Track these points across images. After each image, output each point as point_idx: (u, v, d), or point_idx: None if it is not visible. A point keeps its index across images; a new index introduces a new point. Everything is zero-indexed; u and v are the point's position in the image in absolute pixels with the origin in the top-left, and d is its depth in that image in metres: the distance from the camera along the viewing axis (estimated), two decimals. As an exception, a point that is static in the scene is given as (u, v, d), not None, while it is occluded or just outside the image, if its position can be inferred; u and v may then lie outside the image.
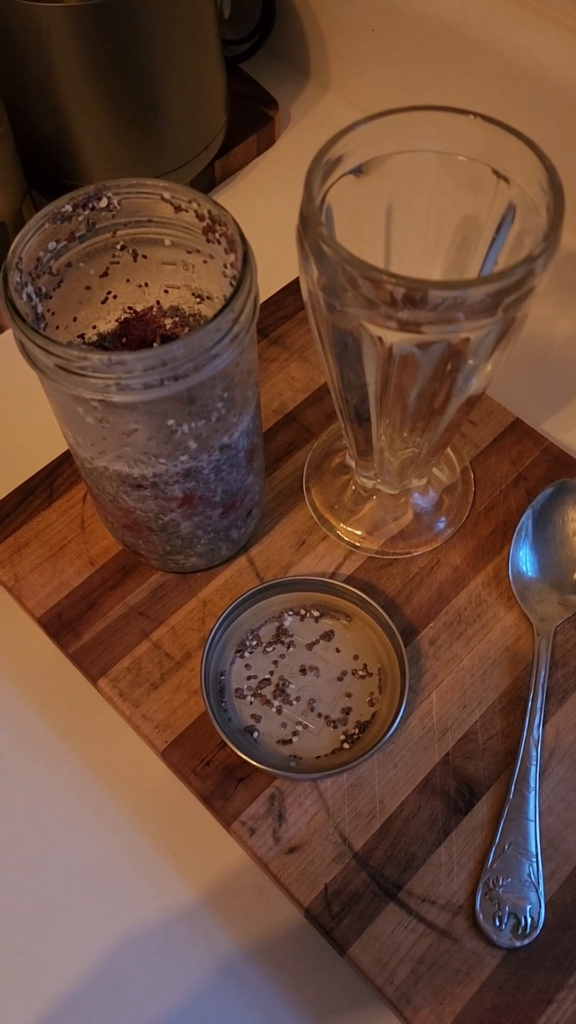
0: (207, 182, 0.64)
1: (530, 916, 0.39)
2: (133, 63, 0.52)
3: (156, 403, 0.33)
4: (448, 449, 0.50)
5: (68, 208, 0.35)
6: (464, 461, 0.50)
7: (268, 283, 0.54)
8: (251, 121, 0.65)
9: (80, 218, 0.35)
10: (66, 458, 0.50)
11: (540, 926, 0.38)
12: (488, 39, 0.56)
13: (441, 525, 0.48)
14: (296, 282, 0.56)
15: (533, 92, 0.55)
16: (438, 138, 0.35)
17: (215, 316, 0.32)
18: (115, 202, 0.36)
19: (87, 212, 0.35)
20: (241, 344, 0.34)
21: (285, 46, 0.69)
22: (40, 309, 0.36)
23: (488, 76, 0.57)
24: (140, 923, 0.42)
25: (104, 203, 0.35)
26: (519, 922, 0.38)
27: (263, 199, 0.64)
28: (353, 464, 0.47)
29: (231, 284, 0.34)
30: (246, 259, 0.33)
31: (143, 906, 0.42)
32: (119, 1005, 0.40)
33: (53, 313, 0.37)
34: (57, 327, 0.38)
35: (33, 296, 0.35)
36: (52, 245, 0.35)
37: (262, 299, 0.56)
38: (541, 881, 0.39)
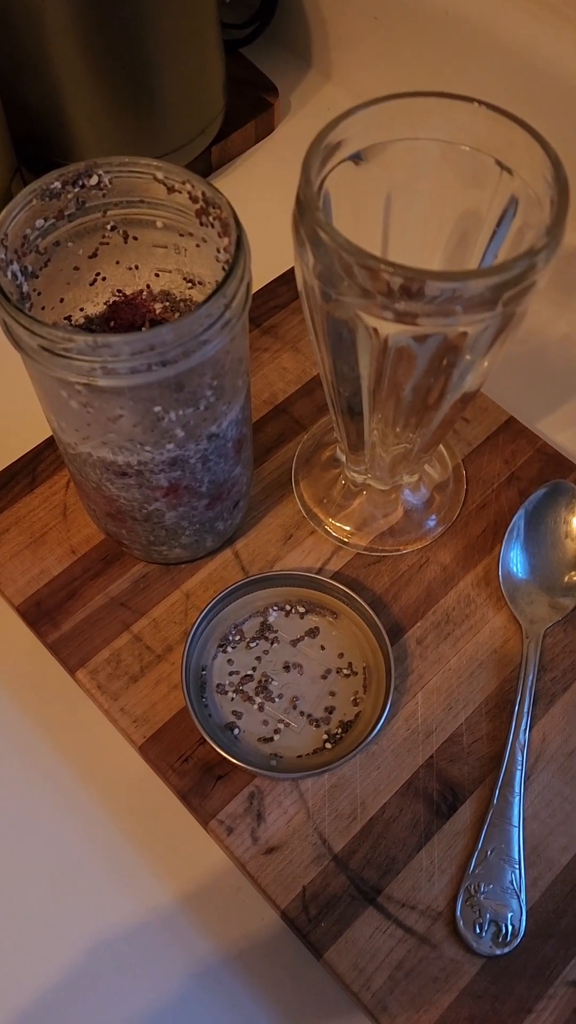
0: (203, 168, 0.63)
1: (511, 924, 0.38)
2: (129, 41, 0.51)
3: (143, 389, 0.32)
4: (441, 446, 0.49)
5: (57, 185, 0.34)
6: (456, 459, 0.49)
7: (262, 272, 0.53)
8: (250, 107, 0.64)
9: (69, 196, 0.34)
10: (49, 444, 0.49)
11: (521, 934, 0.38)
12: (493, 31, 0.55)
13: (431, 523, 0.47)
14: (290, 272, 0.55)
15: (538, 86, 0.54)
16: (441, 126, 0.34)
17: (206, 300, 0.31)
18: (106, 180, 0.34)
19: (77, 190, 0.34)
20: (232, 331, 0.33)
21: (287, 33, 0.68)
22: (25, 288, 0.35)
23: (493, 69, 0.56)
24: (112, 921, 0.41)
25: (95, 181, 0.34)
26: (500, 930, 0.38)
27: (260, 187, 0.63)
28: (344, 458, 0.46)
29: (224, 269, 0.33)
30: (240, 243, 0.32)
31: (116, 904, 0.41)
32: (91, 1004, 0.39)
33: (39, 293, 0.36)
34: (43, 308, 0.37)
35: (19, 274, 0.34)
36: (40, 223, 0.34)
37: (255, 288, 0.55)
38: (523, 888, 0.39)
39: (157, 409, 0.33)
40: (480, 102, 0.33)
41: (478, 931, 0.38)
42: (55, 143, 0.55)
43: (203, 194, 0.34)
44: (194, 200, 0.34)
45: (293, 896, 0.39)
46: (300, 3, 0.66)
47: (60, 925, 0.41)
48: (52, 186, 0.34)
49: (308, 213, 0.31)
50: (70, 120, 0.54)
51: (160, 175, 0.34)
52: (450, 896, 0.39)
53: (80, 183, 0.34)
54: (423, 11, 0.57)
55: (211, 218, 0.34)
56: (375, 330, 0.33)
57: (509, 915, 0.38)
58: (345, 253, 0.30)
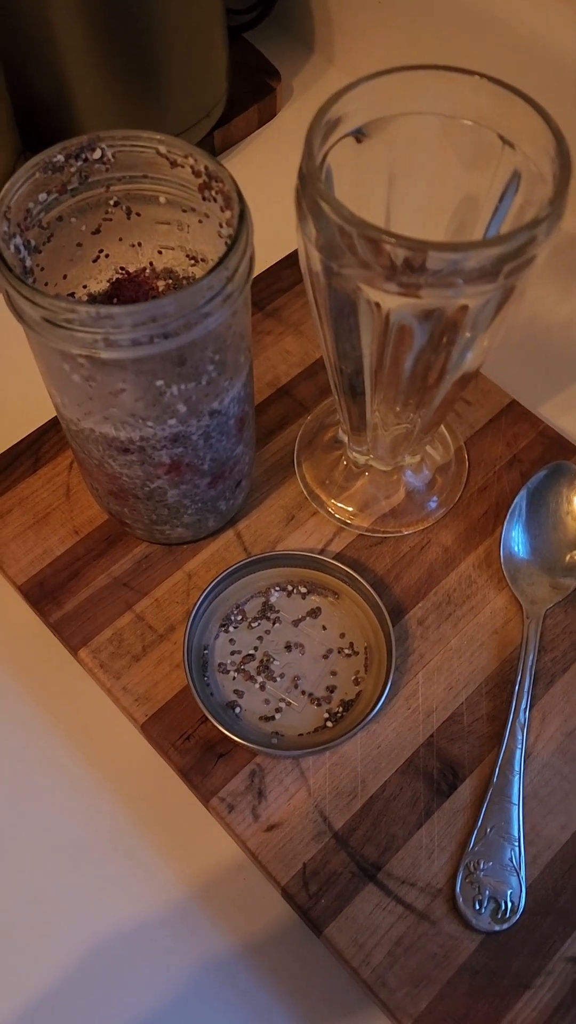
0: (206, 151, 0.62)
1: (510, 900, 0.38)
2: (133, 25, 0.51)
3: (145, 361, 0.32)
4: (443, 428, 0.49)
5: (60, 158, 0.34)
6: (459, 441, 0.49)
7: (265, 256, 0.53)
8: (253, 91, 0.64)
9: (72, 169, 0.34)
10: (53, 424, 0.49)
11: (520, 911, 0.38)
12: (496, 14, 0.55)
13: (433, 504, 0.47)
14: (293, 255, 0.55)
15: (542, 68, 0.54)
16: (443, 100, 0.34)
17: (208, 272, 0.31)
18: (109, 154, 0.34)
19: (80, 163, 0.34)
20: (234, 305, 0.33)
21: (291, 18, 0.68)
22: (28, 263, 0.35)
23: (496, 52, 0.56)
24: (115, 900, 0.41)
25: (98, 155, 0.34)
26: (499, 906, 0.38)
27: (262, 171, 0.63)
28: (346, 439, 0.46)
29: (226, 244, 0.33)
30: (242, 216, 0.32)
31: (118, 883, 0.41)
32: (95, 987, 0.39)
33: (42, 269, 0.36)
34: (46, 283, 0.37)
35: (21, 248, 0.34)
36: (43, 196, 0.34)
37: (258, 272, 0.55)
38: (523, 866, 0.39)
39: (159, 383, 0.33)
40: (482, 75, 0.33)
41: (477, 907, 0.38)
42: (59, 126, 0.55)
43: (206, 168, 0.34)
44: (196, 174, 0.34)
45: (294, 873, 0.39)
46: (304, -12, 0.66)
47: (62, 903, 0.41)
48: (55, 159, 0.34)
49: (310, 185, 0.31)
50: (74, 103, 0.54)
51: (163, 149, 0.34)
52: (450, 873, 0.39)
53: (83, 156, 0.34)
54: (427, -5, 0.57)
55: (214, 192, 0.34)
56: (377, 305, 0.33)
57: (508, 892, 0.38)
58: (347, 224, 0.30)
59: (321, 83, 0.67)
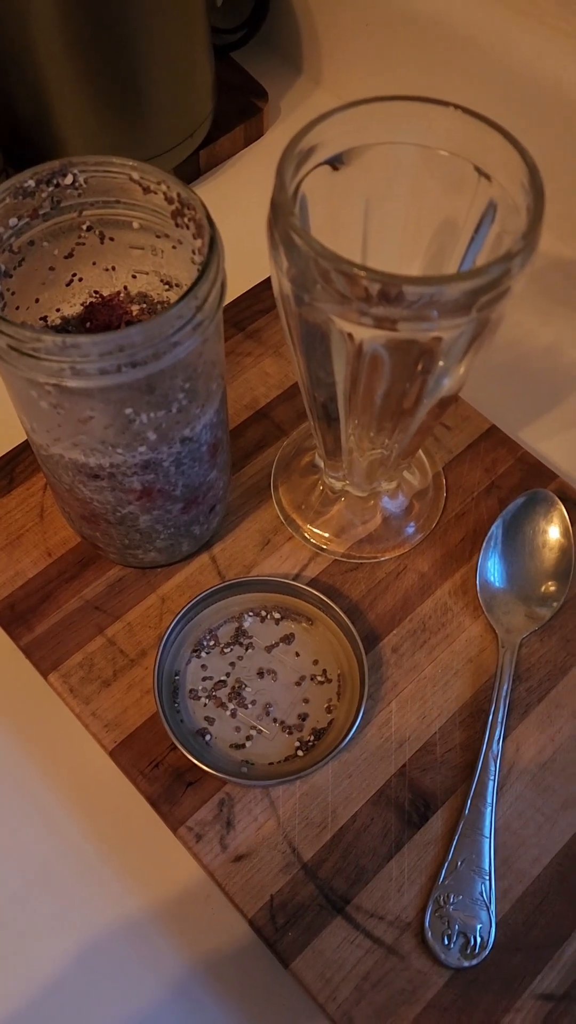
0: (192, 171, 0.62)
1: (480, 936, 0.37)
2: (117, 44, 0.50)
3: (113, 390, 0.32)
4: (421, 453, 0.49)
5: (31, 183, 0.33)
6: (437, 466, 0.49)
7: (247, 276, 0.53)
8: (239, 111, 0.64)
9: (44, 195, 0.34)
10: (27, 445, 0.49)
11: (489, 946, 0.37)
12: (484, 40, 0.55)
13: (410, 530, 0.47)
14: (275, 276, 0.55)
15: (529, 95, 0.54)
16: (419, 130, 0.34)
17: (177, 302, 0.31)
18: (81, 180, 0.34)
19: (51, 188, 0.34)
20: (205, 333, 0.33)
21: (278, 38, 0.68)
22: (-1, 287, 0.35)
23: (482, 77, 0.56)
24: (80, 928, 0.40)
25: (70, 180, 0.34)
26: (468, 941, 0.37)
27: (247, 191, 0.63)
28: (322, 464, 0.45)
29: (199, 271, 0.32)
30: (213, 244, 0.32)
31: (83, 909, 0.41)
32: (55, 1011, 0.39)
33: (13, 293, 0.36)
34: (17, 308, 0.37)
35: (-9, 273, 0.34)
36: (13, 221, 0.34)
37: (240, 292, 0.55)
38: (493, 900, 0.38)
39: (128, 411, 0.33)
40: (456, 106, 0.33)
41: (446, 942, 0.37)
42: (42, 145, 0.55)
43: (178, 195, 0.33)
44: (169, 201, 0.34)
45: (261, 905, 0.38)
46: (291, 8, 0.66)
47: (25, 928, 0.40)
48: (26, 184, 0.33)
49: (282, 217, 0.31)
50: (57, 122, 0.54)
51: (136, 175, 0.34)
52: (419, 907, 0.38)
53: (55, 182, 0.34)
54: (413, 18, 0.57)
55: (186, 219, 0.34)
56: (349, 335, 0.33)
57: (478, 927, 0.38)
58: (322, 259, 0.30)
59: (308, 104, 0.67)
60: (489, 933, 0.38)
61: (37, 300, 0.38)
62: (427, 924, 0.38)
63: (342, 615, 0.43)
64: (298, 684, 0.43)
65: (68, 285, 0.39)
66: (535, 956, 0.38)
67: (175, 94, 0.56)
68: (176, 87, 0.56)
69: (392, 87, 0.62)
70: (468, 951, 0.37)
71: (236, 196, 0.62)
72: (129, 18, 0.50)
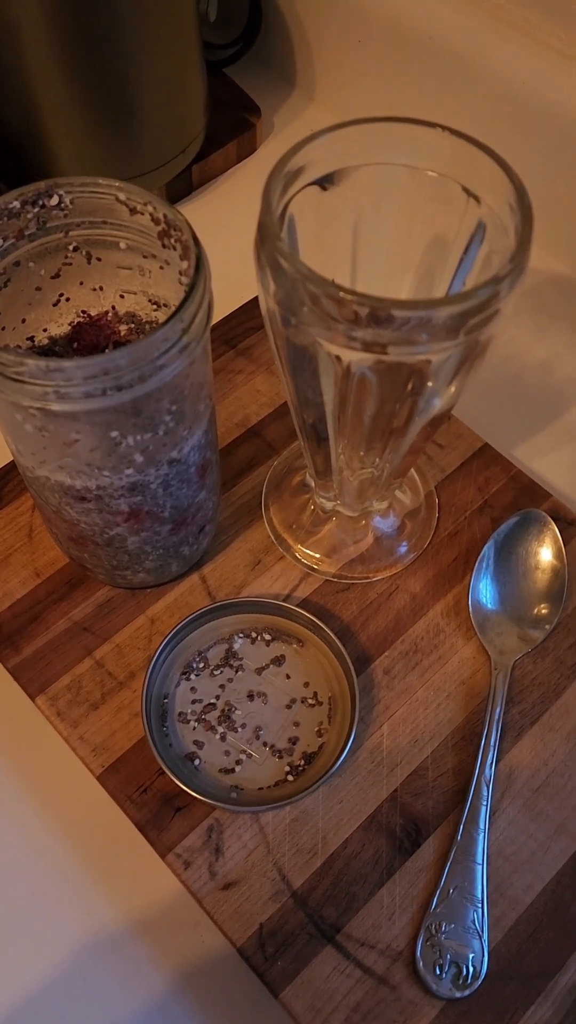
0: (184, 187, 0.62)
1: (472, 965, 0.37)
2: (108, 59, 0.50)
3: (98, 413, 0.31)
4: (413, 472, 0.49)
5: (16, 204, 0.33)
6: (429, 485, 0.48)
7: (239, 293, 0.53)
8: (232, 127, 0.64)
9: (29, 215, 0.34)
10: (15, 465, 0.48)
11: (482, 976, 0.37)
12: (475, 57, 0.54)
13: (402, 550, 0.47)
14: (267, 293, 0.54)
15: (520, 112, 0.54)
16: (407, 151, 0.34)
17: (162, 325, 0.30)
18: (67, 201, 0.34)
19: (37, 209, 0.34)
20: (191, 355, 0.32)
21: (272, 53, 0.68)
22: (-17, 309, 0.34)
23: (474, 94, 0.56)
24: (68, 954, 0.40)
25: (55, 201, 0.34)
26: (460, 971, 0.37)
27: (240, 207, 0.62)
28: (313, 483, 0.45)
29: (185, 293, 0.32)
30: (199, 265, 0.32)
31: (72, 936, 0.40)
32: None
33: (-1, 313, 0.36)
34: (3, 328, 0.37)
35: (-25, 295, 0.33)
36: (-2, 242, 0.34)
37: (231, 309, 0.54)
38: (485, 928, 0.38)
39: (114, 434, 0.33)
40: (444, 127, 0.32)
41: (438, 972, 0.37)
42: (34, 161, 0.55)
43: (164, 216, 0.33)
44: (156, 222, 0.34)
45: (250, 933, 0.38)
46: (284, 24, 0.65)
47: (13, 955, 0.39)
48: (11, 205, 0.33)
49: (269, 240, 0.31)
50: (49, 138, 0.54)
51: (122, 196, 0.34)
52: (411, 935, 0.38)
53: (40, 203, 0.34)
54: (406, 35, 0.57)
55: (172, 240, 0.34)
56: (337, 357, 0.32)
57: (470, 956, 0.37)
58: (309, 283, 0.30)
59: (301, 119, 0.67)
60: (482, 963, 0.37)
61: (24, 320, 0.38)
62: (418, 953, 0.37)
63: (333, 637, 0.42)
64: (288, 707, 0.42)
65: (55, 305, 0.38)
66: (528, 985, 0.37)
67: (167, 109, 0.56)
68: (168, 102, 0.56)
69: (385, 102, 0.62)
70: (460, 981, 0.37)
71: (229, 212, 0.62)
72: (121, 33, 0.49)
